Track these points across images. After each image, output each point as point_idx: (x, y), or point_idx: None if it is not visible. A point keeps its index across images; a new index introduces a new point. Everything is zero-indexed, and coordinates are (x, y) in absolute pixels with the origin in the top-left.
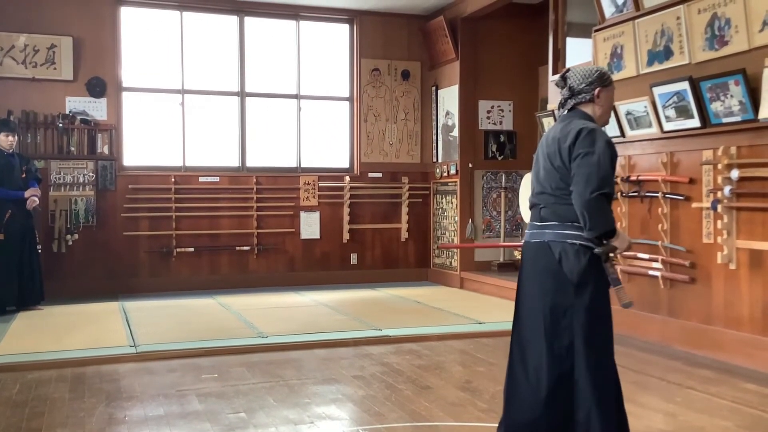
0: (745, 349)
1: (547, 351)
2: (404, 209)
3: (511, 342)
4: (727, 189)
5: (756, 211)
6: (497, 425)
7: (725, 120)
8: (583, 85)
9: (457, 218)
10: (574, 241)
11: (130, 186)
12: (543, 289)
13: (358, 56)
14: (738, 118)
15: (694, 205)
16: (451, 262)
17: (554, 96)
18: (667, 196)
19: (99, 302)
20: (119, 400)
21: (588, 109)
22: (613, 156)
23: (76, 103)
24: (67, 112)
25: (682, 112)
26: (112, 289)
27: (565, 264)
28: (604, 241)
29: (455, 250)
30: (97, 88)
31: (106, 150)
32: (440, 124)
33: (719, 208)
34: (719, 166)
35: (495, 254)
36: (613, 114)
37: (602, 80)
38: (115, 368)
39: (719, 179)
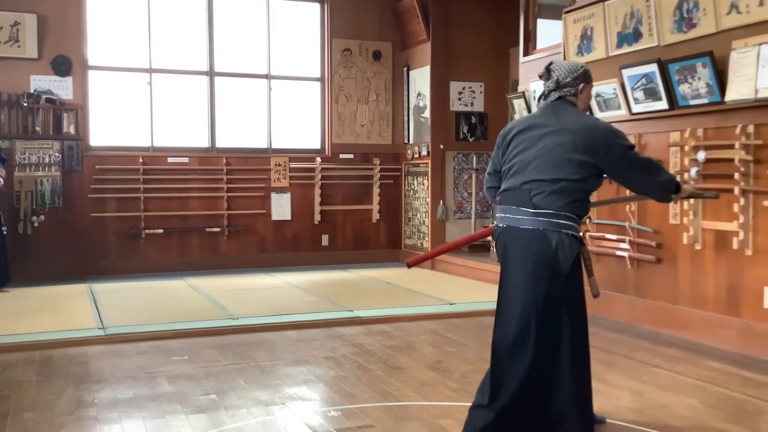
0: (709, 328)
1: (534, 337)
2: (375, 190)
3: (495, 327)
4: (693, 170)
5: (721, 192)
6: (470, 406)
7: (692, 102)
8: (569, 79)
9: (428, 199)
10: (568, 231)
11: (97, 166)
12: (537, 277)
13: (329, 36)
14: (705, 101)
15: None
16: (422, 243)
17: (525, 78)
18: None
19: (66, 284)
20: (88, 382)
21: (573, 101)
22: None
23: (40, 82)
24: (32, 91)
25: (651, 94)
26: (80, 271)
27: (561, 254)
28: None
29: (426, 233)
30: (62, 66)
31: (72, 130)
32: (412, 105)
33: None
34: (686, 148)
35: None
36: None
37: (586, 77)
38: (84, 351)
39: (686, 161)
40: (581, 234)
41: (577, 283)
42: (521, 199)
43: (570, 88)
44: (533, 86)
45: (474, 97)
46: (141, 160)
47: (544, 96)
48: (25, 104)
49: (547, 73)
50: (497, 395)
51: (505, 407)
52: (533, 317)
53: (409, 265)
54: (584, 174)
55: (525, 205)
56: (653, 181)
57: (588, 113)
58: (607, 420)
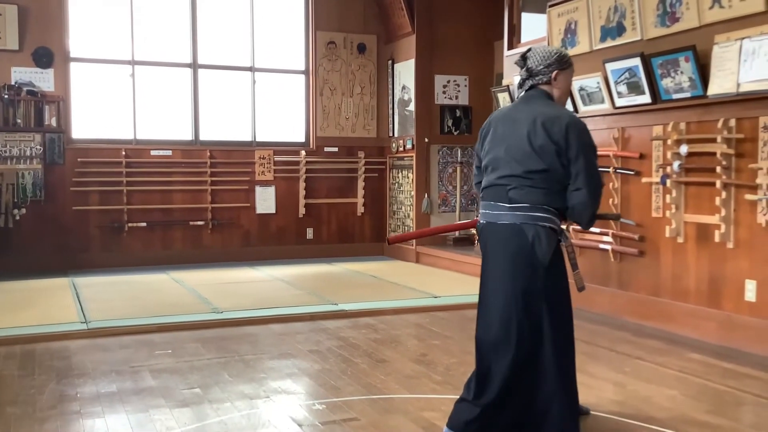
0: (691, 320)
1: (516, 332)
2: (360, 184)
3: (478, 323)
4: (676, 164)
5: (703, 185)
6: (455, 398)
7: (675, 96)
8: (541, 66)
9: (413, 193)
10: (545, 224)
11: (79, 159)
12: (515, 271)
13: (314, 29)
14: (687, 95)
15: (644, 179)
16: None
17: (509, 71)
18: (618, 171)
19: (48, 278)
20: (70, 377)
21: (547, 90)
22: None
23: (22, 74)
24: (13, 83)
25: (634, 88)
26: (62, 264)
27: (538, 247)
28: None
29: (411, 226)
30: (43, 58)
31: (53, 122)
32: (396, 99)
33: (668, 182)
34: (669, 142)
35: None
36: None
37: (560, 63)
38: (66, 345)
39: (669, 154)
40: (563, 227)
41: (558, 276)
42: (498, 194)
43: (542, 76)
44: (517, 80)
45: (459, 91)
46: (124, 152)
47: (520, 85)
48: (6, 96)
49: (522, 61)
50: (483, 391)
51: (491, 402)
52: (514, 312)
53: (390, 242)
54: (551, 162)
55: (502, 200)
56: (589, 207)
57: (563, 104)
58: (591, 411)
